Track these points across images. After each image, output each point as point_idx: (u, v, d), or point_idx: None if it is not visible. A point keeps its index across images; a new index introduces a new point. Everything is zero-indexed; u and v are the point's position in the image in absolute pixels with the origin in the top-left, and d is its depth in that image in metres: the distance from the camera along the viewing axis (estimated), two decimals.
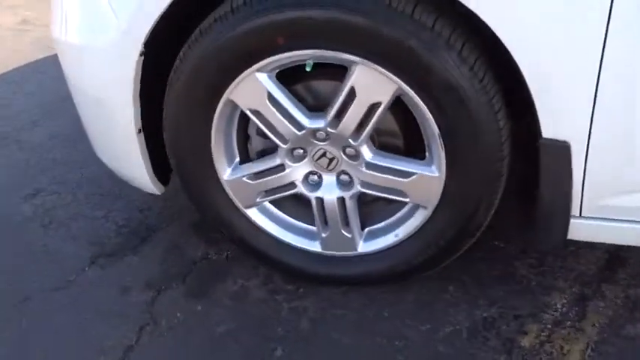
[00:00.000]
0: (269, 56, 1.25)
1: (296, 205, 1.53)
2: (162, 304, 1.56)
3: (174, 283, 1.62)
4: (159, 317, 1.52)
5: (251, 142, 1.50)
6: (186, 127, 1.41)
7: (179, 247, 1.75)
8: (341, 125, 1.31)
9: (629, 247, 1.58)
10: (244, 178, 1.47)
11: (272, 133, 1.37)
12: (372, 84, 1.24)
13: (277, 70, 1.30)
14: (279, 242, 1.53)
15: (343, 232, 1.47)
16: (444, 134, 1.25)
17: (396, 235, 1.43)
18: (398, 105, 1.29)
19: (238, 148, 1.47)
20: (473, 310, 1.48)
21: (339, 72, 1.28)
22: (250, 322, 1.49)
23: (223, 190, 1.49)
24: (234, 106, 1.37)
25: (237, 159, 1.48)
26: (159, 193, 1.60)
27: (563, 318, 1.45)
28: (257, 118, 1.35)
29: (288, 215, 1.54)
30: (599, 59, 1.09)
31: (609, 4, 1.04)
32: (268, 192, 1.48)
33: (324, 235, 1.49)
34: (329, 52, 1.22)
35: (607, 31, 1.06)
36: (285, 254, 1.54)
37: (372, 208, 1.49)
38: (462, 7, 1.11)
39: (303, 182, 1.45)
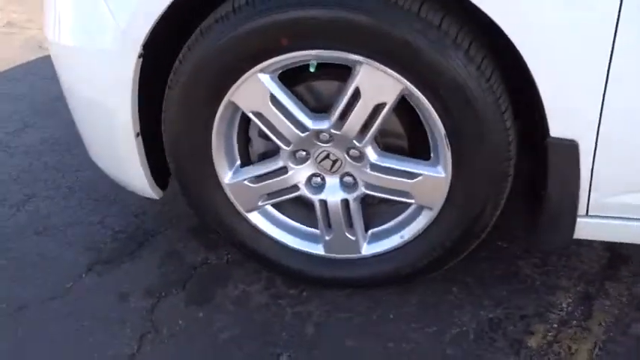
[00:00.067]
0: (272, 57, 1.23)
1: (298, 207, 1.51)
2: (163, 311, 1.53)
3: (174, 289, 1.59)
4: (160, 324, 1.49)
5: (252, 144, 1.48)
6: (186, 130, 1.38)
7: (178, 252, 1.72)
8: (345, 126, 1.29)
9: (630, 244, 1.57)
10: (246, 182, 1.44)
11: (274, 135, 1.35)
12: (377, 84, 1.22)
13: (280, 71, 1.28)
14: (281, 246, 1.51)
15: (347, 234, 1.45)
16: (450, 134, 1.23)
17: (402, 237, 1.42)
18: (401, 105, 1.27)
19: (239, 151, 1.45)
20: (478, 310, 1.47)
21: (342, 72, 1.26)
22: (253, 328, 1.46)
23: (224, 193, 1.47)
24: (235, 108, 1.35)
25: (238, 162, 1.46)
26: (157, 198, 1.57)
27: (569, 317, 1.44)
28: (259, 120, 1.33)
29: (290, 218, 1.52)
30: (608, 58, 1.08)
31: (619, 3, 1.03)
32: (270, 195, 1.46)
33: (327, 238, 1.47)
34: (333, 52, 1.20)
35: (616, 30, 1.06)
36: (288, 258, 1.52)
37: (376, 210, 1.47)
38: (470, 6, 1.09)
39: (306, 185, 1.43)
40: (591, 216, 1.28)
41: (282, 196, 1.45)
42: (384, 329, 1.44)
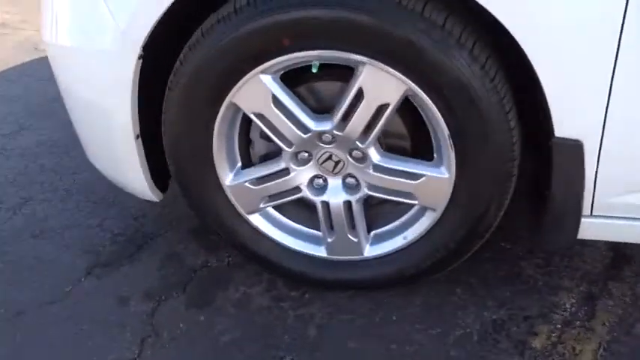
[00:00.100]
0: (274, 57, 1.22)
1: (300, 209, 1.49)
2: (163, 315, 1.51)
3: (174, 292, 1.58)
4: (160, 328, 1.47)
5: (253, 146, 1.47)
6: (187, 131, 1.37)
7: (178, 254, 1.70)
8: (348, 127, 1.28)
9: (633, 244, 1.57)
10: (247, 184, 1.43)
11: (276, 136, 1.33)
12: (380, 84, 1.21)
13: (282, 72, 1.27)
14: (282, 248, 1.50)
15: (349, 236, 1.44)
16: (453, 135, 1.22)
17: (405, 238, 1.41)
18: (404, 106, 1.26)
19: (240, 153, 1.44)
20: (481, 312, 1.46)
21: (344, 73, 1.25)
22: (255, 331, 1.45)
23: (225, 196, 1.45)
24: (236, 109, 1.33)
25: (240, 164, 1.44)
26: (157, 200, 1.56)
27: (572, 318, 1.44)
28: (261, 121, 1.32)
29: (291, 220, 1.50)
30: (614, 58, 1.07)
31: (624, 3, 1.03)
32: (272, 197, 1.44)
33: (329, 239, 1.45)
34: (336, 52, 1.19)
35: (622, 29, 1.05)
36: (290, 260, 1.51)
37: (379, 211, 1.46)
38: (474, 5, 1.08)
39: (308, 186, 1.41)
40: (595, 216, 1.28)
41: (283, 197, 1.44)
42: (386, 331, 1.43)
